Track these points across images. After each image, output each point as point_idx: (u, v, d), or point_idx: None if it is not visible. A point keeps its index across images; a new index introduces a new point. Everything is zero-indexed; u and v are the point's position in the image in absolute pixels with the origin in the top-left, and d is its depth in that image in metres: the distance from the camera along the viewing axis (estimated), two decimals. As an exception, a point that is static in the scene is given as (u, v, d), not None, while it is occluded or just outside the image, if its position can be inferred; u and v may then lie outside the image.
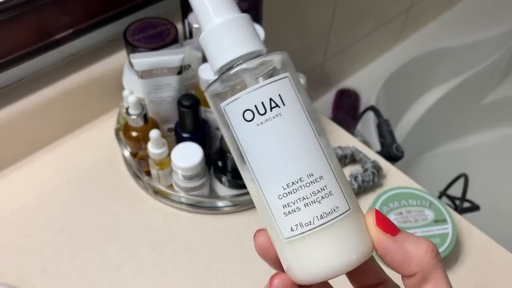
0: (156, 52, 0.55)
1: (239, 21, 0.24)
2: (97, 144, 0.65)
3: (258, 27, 0.57)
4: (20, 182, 0.61)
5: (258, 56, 0.24)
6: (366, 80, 1.09)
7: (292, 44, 0.89)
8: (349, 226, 0.24)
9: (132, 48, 0.56)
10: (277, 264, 0.26)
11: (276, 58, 0.25)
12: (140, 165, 0.60)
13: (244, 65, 0.24)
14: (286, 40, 0.86)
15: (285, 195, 0.23)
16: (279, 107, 0.23)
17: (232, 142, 0.25)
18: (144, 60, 0.53)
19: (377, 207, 0.56)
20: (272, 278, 0.24)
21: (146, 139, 0.56)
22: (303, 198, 0.23)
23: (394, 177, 0.63)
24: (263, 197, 0.24)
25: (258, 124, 0.23)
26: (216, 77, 0.25)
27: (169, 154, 0.56)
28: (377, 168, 0.62)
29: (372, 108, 0.89)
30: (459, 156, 1.28)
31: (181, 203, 0.59)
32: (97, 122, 0.67)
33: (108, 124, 0.66)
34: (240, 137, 0.24)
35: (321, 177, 0.23)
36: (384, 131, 0.78)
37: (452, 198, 0.87)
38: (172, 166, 0.56)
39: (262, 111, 0.23)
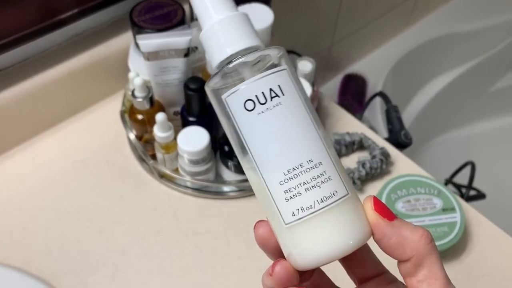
0: (163, 33, 0.54)
1: (238, 18, 0.26)
2: (102, 126, 0.64)
3: (267, 10, 0.56)
4: (25, 163, 0.60)
5: (256, 50, 0.26)
6: (374, 65, 1.07)
7: (300, 27, 0.88)
8: (348, 210, 0.25)
9: (138, 29, 0.55)
10: (276, 255, 0.26)
11: (273, 53, 0.26)
12: (145, 148, 0.59)
13: (243, 59, 0.25)
14: (295, 23, 0.85)
15: (286, 180, 0.24)
16: (278, 96, 0.25)
17: (233, 133, 0.26)
18: (151, 41, 0.52)
19: (385, 195, 0.56)
20: (274, 264, 0.25)
21: (152, 122, 0.56)
22: (304, 183, 0.24)
23: (403, 164, 0.63)
24: (265, 184, 0.25)
25: (259, 113, 0.24)
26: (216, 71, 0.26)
27: (175, 138, 0.55)
28: (385, 155, 0.61)
29: (380, 94, 0.87)
30: (466, 143, 1.27)
31: (187, 187, 0.58)
32: (102, 104, 0.66)
33: (113, 107, 0.65)
34: (241, 127, 0.25)
35: (320, 163, 0.24)
36: (393, 117, 0.77)
37: (458, 186, 0.86)
38: (178, 150, 0.55)
39: (262, 100, 0.24)
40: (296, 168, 0.24)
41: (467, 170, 0.87)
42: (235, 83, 0.25)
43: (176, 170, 0.58)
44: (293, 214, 0.24)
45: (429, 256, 0.24)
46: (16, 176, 0.59)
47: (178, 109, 0.59)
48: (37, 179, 0.59)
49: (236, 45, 0.25)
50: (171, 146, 0.56)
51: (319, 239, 0.24)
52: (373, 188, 0.60)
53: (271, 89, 0.24)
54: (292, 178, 0.24)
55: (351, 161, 0.63)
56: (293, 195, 0.24)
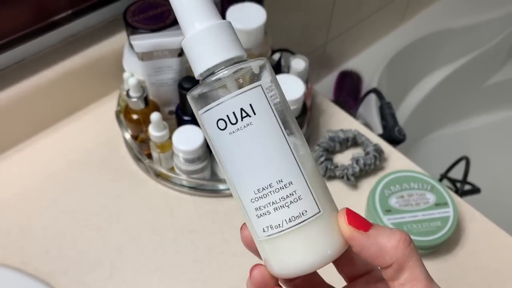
0: (157, 33, 0.54)
1: (221, 27, 0.25)
2: (97, 126, 0.64)
3: (260, 9, 0.56)
4: (21, 164, 0.61)
5: (238, 62, 0.25)
6: (369, 62, 1.08)
7: (294, 25, 0.88)
8: (319, 227, 0.25)
9: (132, 29, 0.56)
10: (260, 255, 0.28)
11: (254, 64, 0.25)
12: (141, 148, 0.59)
13: (225, 71, 0.25)
14: (288, 21, 0.85)
15: (256, 199, 0.25)
16: (249, 116, 0.25)
17: (211, 146, 0.26)
18: (145, 41, 0.53)
19: (378, 190, 0.56)
20: (252, 269, 0.26)
21: (147, 121, 0.56)
22: (273, 203, 0.25)
23: (396, 160, 0.63)
24: (240, 199, 0.26)
25: (230, 133, 0.25)
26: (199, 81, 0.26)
27: (170, 137, 0.55)
28: (379, 151, 0.62)
29: (374, 91, 0.88)
30: (461, 138, 1.27)
31: (183, 186, 0.59)
32: (97, 105, 0.66)
33: (108, 107, 0.65)
34: (215, 144, 0.26)
35: (290, 183, 0.25)
36: (386, 113, 0.78)
37: (453, 181, 0.87)
38: (173, 149, 0.55)
39: (233, 120, 0.25)
40: (265, 188, 0.25)
41: (461, 165, 0.88)
42: (217, 91, 0.25)
43: (171, 169, 0.59)
44: (264, 231, 0.25)
45: (409, 260, 0.24)
46: (13, 177, 0.60)
47: (173, 108, 0.59)
48: (34, 180, 0.59)
49: (217, 57, 0.25)
50: (166, 145, 0.56)
51: (289, 254, 0.25)
52: (367, 184, 0.60)
53: (242, 109, 0.25)
54: (262, 198, 0.25)
55: (345, 157, 0.63)
56: (263, 213, 0.25)
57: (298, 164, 0.25)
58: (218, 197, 0.59)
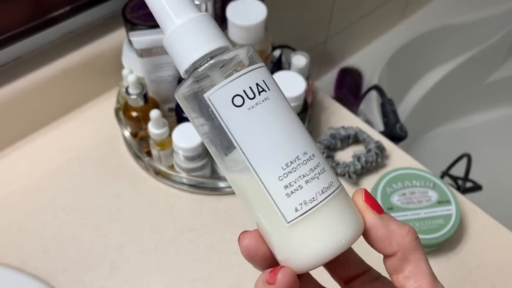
0: (156, 30, 0.53)
1: (201, 19, 0.24)
2: (97, 124, 0.64)
3: (260, 4, 0.56)
4: (20, 162, 0.60)
5: (223, 52, 0.25)
6: (369, 59, 1.07)
7: (294, 21, 0.88)
8: (345, 200, 0.25)
9: (131, 25, 0.55)
10: (264, 265, 0.25)
11: (242, 53, 0.25)
12: (140, 145, 0.59)
13: (211, 61, 0.24)
14: (289, 17, 0.85)
15: (285, 175, 0.24)
16: (265, 91, 0.24)
17: (215, 135, 0.24)
18: (144, 38, 0.52)
19: (380, 188, 0.56)
20: (273, 272, 0.23)
21: (146, 119, 0.55)
22: (303, 176, 0.24)
23: (398, 157, 0.63)
24: (261, 183, 0.24)
25: (249, 108, 0.24)
26: (185, 77, 0.25)
27: (170, 135, 0.55)
28: (381, 149, 0.61)
29: (376, 88, 0.87)
30: (462, 135, 1.27)
31: (183, 183, 0.58)
32: (96, 102, 0.66)
33: (108, 104, 0.65)
34: (230, 125, 0.24)
35: (313, 155, 0.24)
36: (388, 111, 0.77)
37: (454, 178, 0.87)
38: (173, 147, 0.55)
39: (251, 95, 0.24)
40: (294, 161, 0.24)
41: (463, 162, 0.87)
42: (206, 85, 0.24)
43: (171, 167, 0.58)
44: (296, 210, 0.23)
45: (415, 252, 0.24)
46: (12, 175, 0.59)
47: (173, 105, 0.59)
48: (33, 178, 0.59)
49: (202, 49, 0.24)
50: (166, 143, 0.56)
51: (324, 233, 0.24)
52: (369, 182, 0.60)
53: (257, 84, 0.24)
54: (291, 172, 0.23)
55: (347, 155, 0.63)
56: (295, 189, 0.23)
57: (311, 139, 0.25)
58: (218, 195, 0.58)
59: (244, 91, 0.24)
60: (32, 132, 0.63)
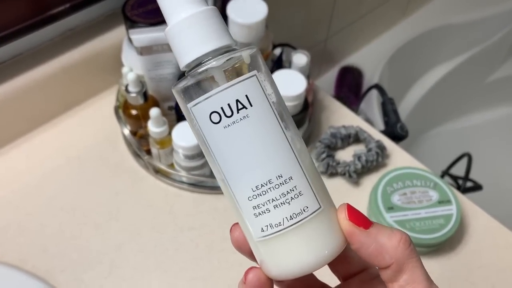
0: (156, 27, 0.53)
1: (207, 14, 0.24)
2: (96, 122, 0.64)
3: (261, 2, 0.56)
4: (19, 160, 0.60)
5: (227, 51, 0.24)
6: (370, 58, 1.07)
7: (295, 20, 0.87)
8: (320, 224, 0.24)
9: (131, 23, 0.55)
10: (253, 257, 0.26)
11: (245, 53, 0.24)
12: (140, 143, 0.59)
13: (213, 62, 0.23)
14: (289, 15, 0.84)
15: (254, 197, 0.24)
16: (246, 108, 0.23)
17: (202, 142, 0.24)
18: (144, 36, 0.52)
19: (380, 188, 0.55)
20: (246, 272, 0.25)
21: (146, 117, 0.55)
22: (273, 200, 0.23)
23: (398, 157, 0.63)
24: (234, 197, 0.24)
25: (225, 126, 0.23)
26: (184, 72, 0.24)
27: (169, 133, 0.55)
28: (381, 148, 0.61)
29: (376, 87, 0.87)
30: (462, 135, 1.27)
31: (182, 182, 0.58)
32: (96, 100, 0.66)
33: (107, 102, 0.65)
34: (208, 139, 0.24)
35: (290, 178, 0.24)
36: (389, 110, 0.77)
37: (455, 178, 0.86)
38: (173, 145, 0.55)
39: (228, 113, 0.23)
40: (264, 185, 0.23)
41: (463, 162, 0.87)
42: (205, 85, 0.23)
43: (171, 165, 0.58)
44: (262, 230, 0.24)
45: (409, 261, 0.23)
46: (11, 173, 0.59)
47: (173, 104, 0.59)
48: (32, 176, 0.59)
49: (204, 47, 0.23)
50: (166, 141, 0.56)
51: (290, 254, 0.24)
52: (369, 181, 0.60)
53: (237, 100, 0.23)
54: (261, 195, 0.23)
55: (347, 154, 0.62)
56: (262, 211, 0.23)
57: (297, 158, 0.24)
58: (218, 194, 0.58)
59: (222, 108, 0.23)
60: (31, 130, 0.62)
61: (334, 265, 0.28)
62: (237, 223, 0.26)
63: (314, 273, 0.28)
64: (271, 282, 0.25)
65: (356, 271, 0.28)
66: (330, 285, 0.29)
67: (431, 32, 1.14)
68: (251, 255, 0.26)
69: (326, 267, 0.28)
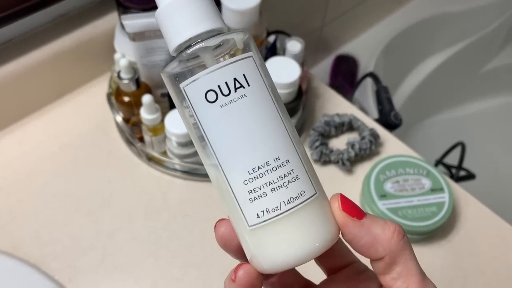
0: (149, 13, 0.53)
1: None
2: (89, 109, 0.63)
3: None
4: (11, 147, 0.60)
5: (219, 34, 0.23)
6: (365, 46, 1.06)
7: (290, 7, 0.87)
8: (316, 211, 0.23)
9: (124, 9, 0.54)
10: (239, 255, 0.25)
11: (237, 37, 0.23)
12: (133, 131, 0.58)
13: (203, 44, 0.23)
14: (284, 2, 0.84)
15: (251, 180, 0.23)
16: (244, 87, 0.22)
17: (192, 125, 0.23)
18: (136, 21, 0.51)
19: (373, 176, 0.56)
20: (236, 269, 0.23)
21: (138, 104, 0.55)
22: (270, 183, 0.22)
23: (392, 145, 0.63)
24: (227, 183, 0.23)
25: (222, 105, 0.22)
26: (174, 56, 0.24)
27: (162, 120, 0.54)
28: (375, 136, 0.61)
29: (371, 75, 0.87)
30: (457, 124, 1.27)
31: (176, 170, 0.58)
32: (88, 87, 0.65)
33: (100, 89, 0.64)
34: (202, 120, 0.23)
35: (287, 161, 0.23)
36: (383, 98, 0.77)
37: (448, 167, 0.87)
38: (166, 133, 0.54)
39: (226, 91, 0.22)
40: (261, 167, 0.22)
41: (457, 151, 0.87)
42: (195, 69, 0.23)
43: (164, 153, 0.58)
44: (258, 216, 0.23)
45: (402, 253, 0.23)
46: (3, 160, 0.58)
47: (166, 91, 0.58)
48: (24, 163, 0.58)
49: (196, 28, 0.23)
50: (158, 129, 0.55)
51: (285, 243, 0.23)
52: (362, 169, 0.60)
53: (235, 79, 0.22)
54: (257, 178, 0.22)
55: (341, 142, 0.62)
56: (258, 195, 0.22)
57: (292, 142, 0.23)
58: (211, 182, 0.58)
59: (219, 86, 0.22)
60: (24, 117, 0.62)
61: (320, 258, 0.27)
62: (221, 220, 0.25)
63: (297, 269, 0.28)
64: (261, 278, 0.24)
65: (342, 265, 0.27)
66: (314, 281, 0.28)
67: (427, 21, 1.13)
68: (236, 253, 0.25)
69: (311, 262, 0.28)
